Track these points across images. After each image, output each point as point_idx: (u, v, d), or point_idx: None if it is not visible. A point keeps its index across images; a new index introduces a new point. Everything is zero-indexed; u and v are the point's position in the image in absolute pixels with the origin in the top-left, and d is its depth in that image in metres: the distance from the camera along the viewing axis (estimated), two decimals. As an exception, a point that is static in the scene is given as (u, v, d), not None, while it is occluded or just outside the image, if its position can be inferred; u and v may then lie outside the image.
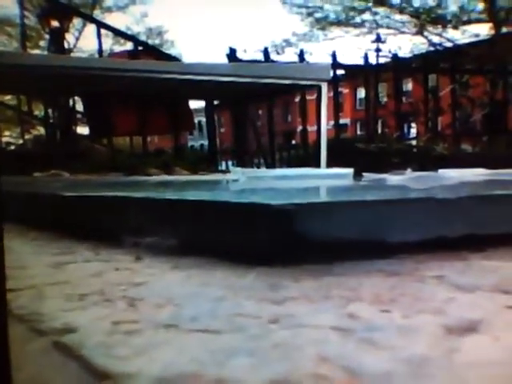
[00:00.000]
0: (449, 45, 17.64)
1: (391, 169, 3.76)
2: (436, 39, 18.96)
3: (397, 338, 0.53)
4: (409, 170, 3.52)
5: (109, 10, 22.27)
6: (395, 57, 7.63)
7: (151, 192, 1.90)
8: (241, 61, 5.95)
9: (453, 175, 2.89)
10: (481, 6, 18.11)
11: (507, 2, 16.67)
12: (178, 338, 0.55)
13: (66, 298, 0.73)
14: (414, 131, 8.74)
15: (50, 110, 6.76)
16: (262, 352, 0.50)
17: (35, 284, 0.83)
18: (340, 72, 6.87)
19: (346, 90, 24.09)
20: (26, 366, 0.53)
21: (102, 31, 6.22)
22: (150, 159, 5.36)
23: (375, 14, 19.59)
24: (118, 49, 13.15)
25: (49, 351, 0.54)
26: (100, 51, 6.09)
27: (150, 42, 19.07)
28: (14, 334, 0.52)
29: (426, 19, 18.79)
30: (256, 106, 7.78)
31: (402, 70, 7.22)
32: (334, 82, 6.22)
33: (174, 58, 6.96)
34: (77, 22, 16.19)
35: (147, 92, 4.95)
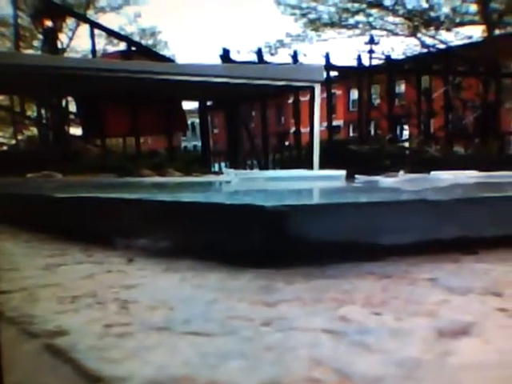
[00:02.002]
0: (442, 47, 17.73)
1: (384, 171, 3.78)
2: (429, 41, 19.06)
3: (389, 340, 0.53)
4: (401, 172, 3.53)
5: (102, 10, 22.24)
6: (388, 58, 7.66)
7: (144, 193, 1.89)
8: (234, 62, 5.96)
9: (445, 177, 2.90)
10: (474, 8, 18.21)
11: (500, 4, 16.77)
12: (170, 340, 0.55)
13: (57, 301, 0.72)
14: (406, 133, 8.77)
15: (42, 111, 6.74)
16: (255, 355, 0.50)
17: (27, 286, 0.82)
18: (333, 73, 6.89)
19: (339, 92, 24.13)
20: (17, 368, 0.52)
21: (96, 31, 6.21)
22: (143, 160, 5.35)
23: (369, 15, 19.66)
24: (111, 49, 13.11)
25: (40, 354, 0.54)
26: (93, 51, 6.08)
27: (143, 42, 19.05)
28: (5, 337, 0.51)
29: (419, 21, 18.87)
30: (249, 107, 7.78)
31: (395, 72, 7.25)
32: (327, 84, 6.24)
33: (167, 59, 6.96)
34: (70, 22, 16.15)
35: (140, 93, 4.94)
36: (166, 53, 18.85)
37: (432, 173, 3.40)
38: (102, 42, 15.83)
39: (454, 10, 18.69)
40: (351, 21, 19.80)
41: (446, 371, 0.46)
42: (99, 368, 0.47)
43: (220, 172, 5.70)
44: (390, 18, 19.64)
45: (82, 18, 10.65)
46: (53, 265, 1.01)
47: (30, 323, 0.63)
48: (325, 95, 6.24)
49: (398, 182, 2.87)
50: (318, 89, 4.68)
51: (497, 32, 16.61)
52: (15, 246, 1.29)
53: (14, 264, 1.02)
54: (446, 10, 18.85)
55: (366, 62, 7.84)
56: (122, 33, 13.80)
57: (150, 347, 0.52)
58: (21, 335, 0.60)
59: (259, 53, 6.37)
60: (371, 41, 17.79)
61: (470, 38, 17.96)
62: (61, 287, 0.82)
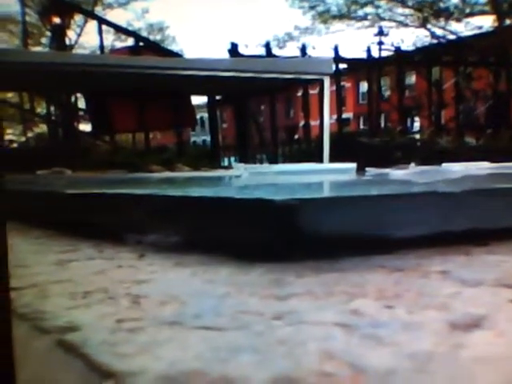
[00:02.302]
0: (452, 37, 17.59)
1: (395, 163, 3.76)
2: (439, 32, 18.92)
3: (401, 333, 0.53)
4: (412, 164, 3.52)
5: (110, 6, 22.27)
6: (398, 50, 7.61)
7: (154, 189, 1.90)
8: (242, 56, 5.94)
9: (456, 169, 2.89)
10: (484, -3, 18.03)
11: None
12: (182, 335, 0.55)
13: (69, 296, 0.73)
14: (417, 125, 8.72)
15: (52, 108, 6.77)
16: (266, 349, 0.50)
17: (38, 282, 0.83)
18: (342, 66, 6.86)
19: (348, 84, 23.99)
20: (29, 364, 0.53)
21: (104, 27, 6.21)
22: (152, 156, 5.36)
23: (377, 7, 19.55)
24: (119, 45, 13.11)
25: (52, 349, 0.54)
26: (101, 47, 6.09)
27: (151, 37, 19.06)
28: (17, 333, 0.52)
29: (428, 12, 18.73)
30: (258, 101, 7.76)
31: (405, 64, 7.20)
32: (336, 76, 6.21)
33: (175, 54, 6.97)
34: (78, 18, 16.20)
35: (149, 88, 4.95)
36: (174, 48, 18.86)
37: (443, 164, 3.37)
38: (109, 38, 15.84)
39: (463, 0, 18.52)
40: (360, 12, 19.72)
41: (459, 364, 0.45)
42: (111, 363, 0.48)
43: (229, 166, 5.70)
44: (400, 10, 19.54)
45: (89, 15, 10.65)
46: (63, 261, 1.02)
47: (42, 319, 0.63)
48: (334, 88, 6.21)
49: (408, 174, 2.85)
50: (327, 81, 4.66)
51: (507, 22, 16.44)
52: (25, 243, 1.30)
53: (24, 260, 1.03)
54: (455, 0, 18.71)
55: (375, 53, 7.80)
56: (130, 28, 13.85)
57: (162, 342, 0.53)
58: (33, 331, 0.60)
59: (267, 46, 6.35)
60: (380, 32, 17.66)
61: (480, 28, 17.81)
62: (72, 283, 0.83)
